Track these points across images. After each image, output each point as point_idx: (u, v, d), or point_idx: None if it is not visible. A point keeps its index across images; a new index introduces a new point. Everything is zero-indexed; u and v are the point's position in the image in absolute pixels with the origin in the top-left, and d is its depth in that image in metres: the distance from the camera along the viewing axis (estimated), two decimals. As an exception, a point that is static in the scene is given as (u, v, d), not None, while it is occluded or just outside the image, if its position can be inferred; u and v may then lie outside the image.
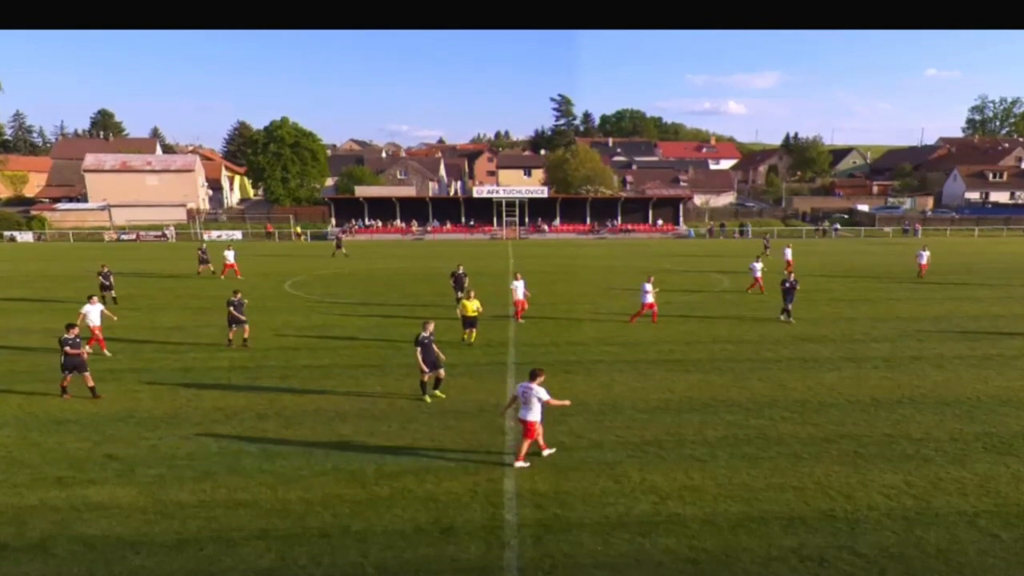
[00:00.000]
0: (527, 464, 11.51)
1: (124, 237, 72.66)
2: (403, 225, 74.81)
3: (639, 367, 18.00)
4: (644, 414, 14.22)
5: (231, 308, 20.13)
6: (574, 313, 26.19)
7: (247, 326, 20.39)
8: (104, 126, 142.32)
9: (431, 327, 15.39)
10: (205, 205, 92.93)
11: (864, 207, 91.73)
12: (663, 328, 23.00)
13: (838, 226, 78.76)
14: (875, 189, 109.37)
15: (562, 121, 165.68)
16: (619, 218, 76.57)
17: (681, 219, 78.69)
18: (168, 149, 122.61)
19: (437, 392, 15.37)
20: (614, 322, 24.24)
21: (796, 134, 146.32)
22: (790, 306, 23.96)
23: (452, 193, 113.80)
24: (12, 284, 35.86)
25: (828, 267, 42.86)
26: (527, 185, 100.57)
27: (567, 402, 12.47)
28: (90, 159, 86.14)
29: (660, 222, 77.40)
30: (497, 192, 77.03)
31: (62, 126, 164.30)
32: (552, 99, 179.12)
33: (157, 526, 9.66)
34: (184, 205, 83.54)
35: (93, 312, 19.63)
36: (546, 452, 11.95)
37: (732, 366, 18.14)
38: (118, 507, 10.20)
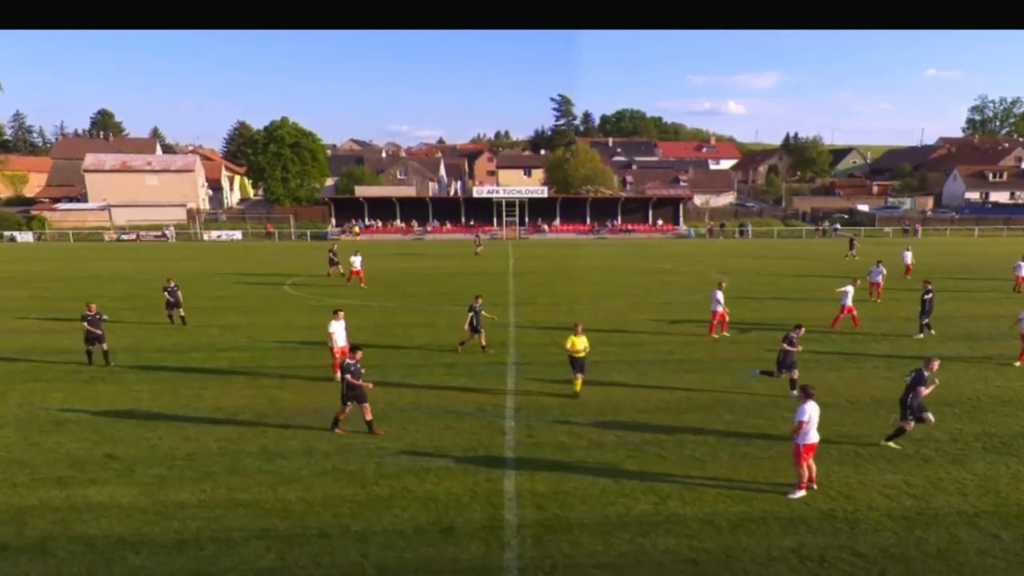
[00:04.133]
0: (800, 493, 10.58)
1: (124, 237, 72.65)
2: (403, 225, 74.82)
3: (639, 367, 17.99)
4: (644, 414, 14.22)
5: (471, 314, 19.26)
6: (574, 313, 26.16)
7: (484, 333, 19.63)
8: (104, 126, 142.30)
9: None
10: (205, 205, 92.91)
11: (864, 207, 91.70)
12: (663, 328, 23.01)
13: (838, 226, 78.74)
14: (875, 189, 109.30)
15: (562, 121, 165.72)
16: (619, 218, 76.54)
17: (681, 219, 78.66)
18: (168, 149, 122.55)
19: None
20: (614, 322, 24.23)
21: (796, 134, 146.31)
22: (926, 319, 21.86)
23: (452, 193, 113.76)
24: (12, 284, 35.85)
25: (828, 267, 42.86)
26: (527, 185, 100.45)
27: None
28: (90, 159, 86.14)
29: (660, 222, 77.37)
30: (497, 192, 77.01)
31: (62, 126, 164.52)
32: (552, 99, 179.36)
33: (157, 526, 9.66)
34: (184, 205, 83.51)
35: (339, 330, 17.00)
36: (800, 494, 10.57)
37: (732, 366, 18.13)
38: (118, 507, 10.20)
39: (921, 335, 21.73)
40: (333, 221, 75.33)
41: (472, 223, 75.07)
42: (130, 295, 31.30)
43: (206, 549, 9.08)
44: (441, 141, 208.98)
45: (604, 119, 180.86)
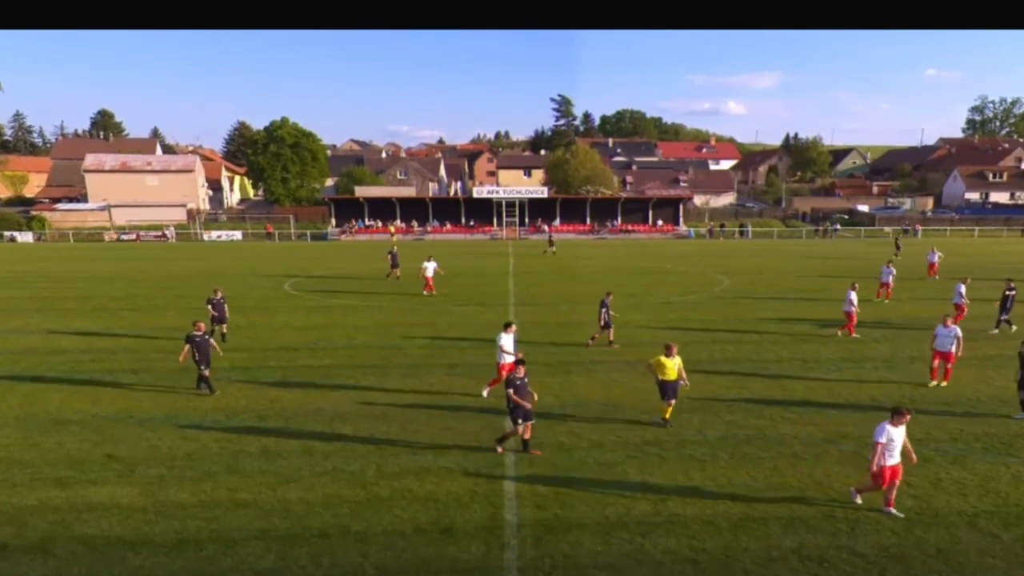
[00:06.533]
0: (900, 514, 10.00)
1: (124, 237, 72.65)
2: (403, 225, 74.81)
3: (639, 367, 17.93)
4: (644, 414, 14.21)
5: (603, 310, 20.25)
6: (575, 313, 26.17)
7: (612, 329, 20.61)
8: (104, 126, 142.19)
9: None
10: (205, 205, 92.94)
11: (864, 207, 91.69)
12: (662, 328, 22.99)
13: (838, 226, 78.76)
14: (875, 189, 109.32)
15: (562, 121, 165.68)
16: (619, 218, 76.53)
17: (681, 219, 78.65)
18: (168, 149, 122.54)
19: None
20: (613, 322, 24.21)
21: (796, 134, 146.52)
22: (1006, 316, 22.37)
23: (452, 193, 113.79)
24: (12, 284, 35.86)
25: (828, 268, 42.87)
26: (527, 185, 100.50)
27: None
28: (90, 159, 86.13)
29: (660, 222, 77.35)
30: (497, 192, 77.01)
31: (62, 126, 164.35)
32: (552, 99, 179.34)
33: (157, 526, 9.66)
34: (184, 205, 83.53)
35: (509, 344, 15.37)
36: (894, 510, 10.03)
37: (732, 366, 18.13)
38: (118, 507, 10.20)
39: (996, 331, 22.21)
40: (333, 221, 75.30)
41: (472, 223, 75.13)
42: (130, 295, 31.31)
43: (206, 549, 9.08)
44: (441, 141, 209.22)
45: (604, 119, 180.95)
